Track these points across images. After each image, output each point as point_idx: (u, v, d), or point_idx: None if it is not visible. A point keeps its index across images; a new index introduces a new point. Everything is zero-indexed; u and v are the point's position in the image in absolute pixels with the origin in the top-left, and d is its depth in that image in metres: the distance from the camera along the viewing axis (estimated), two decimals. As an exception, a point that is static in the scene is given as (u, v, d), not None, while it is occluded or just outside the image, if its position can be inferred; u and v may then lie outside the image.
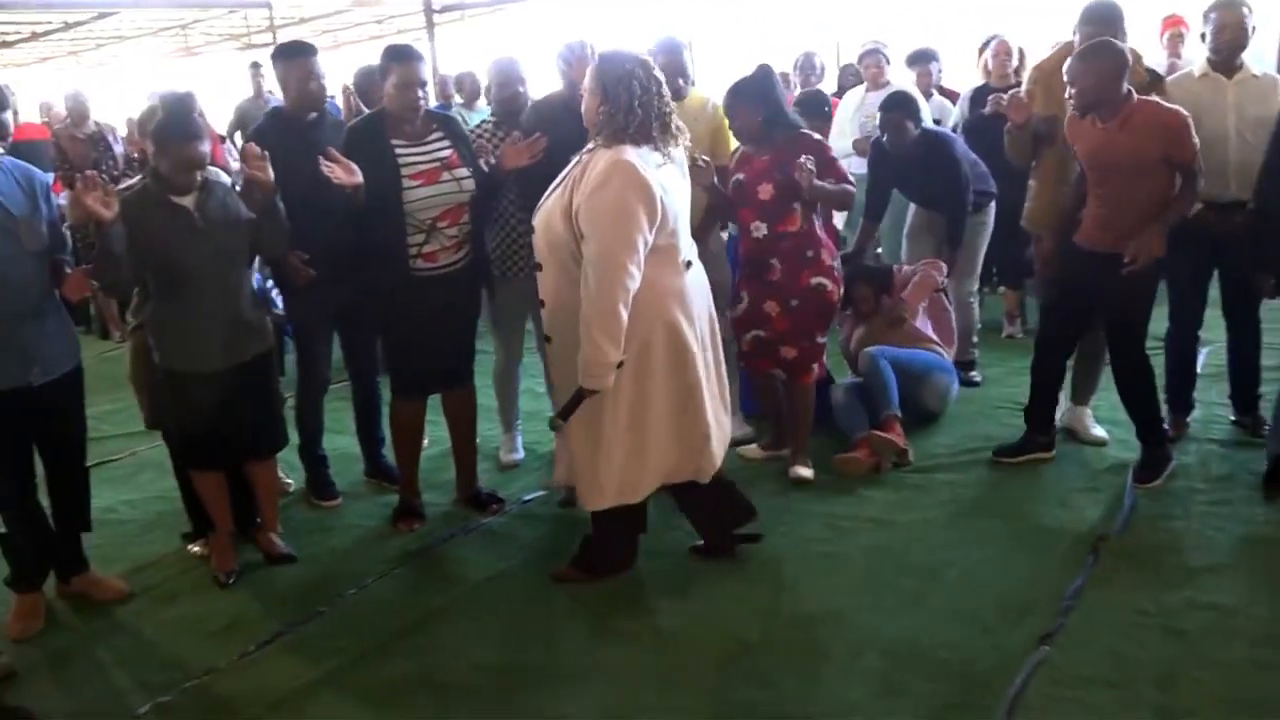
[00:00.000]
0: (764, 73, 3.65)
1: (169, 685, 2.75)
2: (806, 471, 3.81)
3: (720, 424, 3.03)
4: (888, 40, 5.84)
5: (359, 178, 3.16)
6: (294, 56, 3.51)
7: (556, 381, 3.04)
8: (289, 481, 3.94)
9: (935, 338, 4.45)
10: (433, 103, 4.57)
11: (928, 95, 5.61)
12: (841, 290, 3.73)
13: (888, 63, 5.50)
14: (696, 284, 2.92)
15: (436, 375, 3.57)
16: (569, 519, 3.51)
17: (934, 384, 4.27)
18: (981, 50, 5.84)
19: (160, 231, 2.96)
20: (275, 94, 7.44)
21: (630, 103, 2.68)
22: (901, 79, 5.72)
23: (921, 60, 5.86)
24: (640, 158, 2.68)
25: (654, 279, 2.75)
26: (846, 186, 3.61)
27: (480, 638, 2.90)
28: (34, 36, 15.01)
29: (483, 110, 6.51)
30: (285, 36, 15.97)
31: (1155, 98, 3.41)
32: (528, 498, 3.82)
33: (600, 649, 2.81)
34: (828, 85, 6.41)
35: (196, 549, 3.49)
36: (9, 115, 2.78)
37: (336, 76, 9.11)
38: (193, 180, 3.01)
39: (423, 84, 3.30)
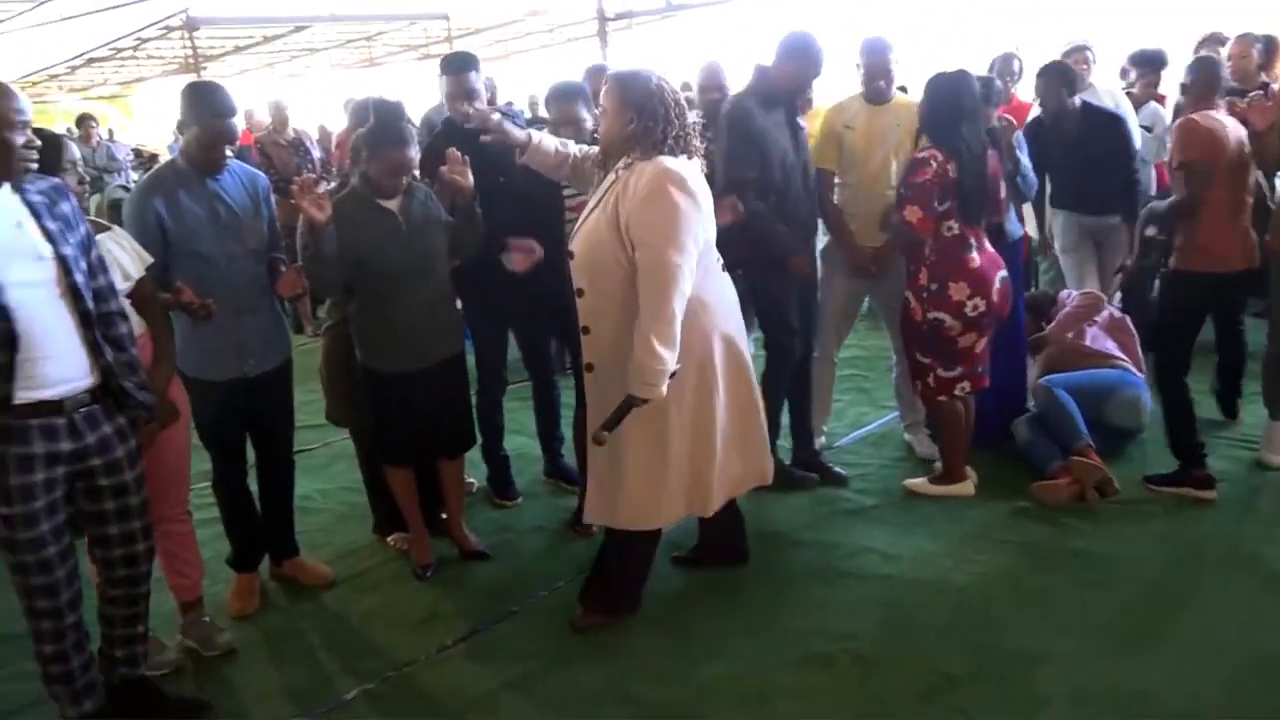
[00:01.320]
0: (954, 76, 3.51)
1: (373, 674, 2.83)
2: (912, 481, 3.84)
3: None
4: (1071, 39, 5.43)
5: (538, 253, 3.30)
6: (443, 71, 3.55)
7: (594, 412, 2.82)
8: (471, 481, 4.02)
9: (1118, 354, 4.18)
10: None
11: (1142, 102, 5.20)
12: (931, 314, 3.54)
13: (1094, 61, 5.15)
14: (733, 294, 2.93)
15: None
16: (757, 537, 3.43)
17: (1120, 400, 3.98)
18: (1198, 49, 5.41)
19: (367, 234, 3.06)
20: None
21: (666, 114, 2.64)
22: (1106, 80, 5.35)
23: (1150, 65, 5.27)
24: (682, 166, 2.65)
25: (707, 291, 2.73)
26: (909, 236, 3.49)
27: (671, 651, 2.86)
28: (236, 50, 16.13)
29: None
30: (460, 46, 16.54)
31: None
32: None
33: (796, 671, 2.72)
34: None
35: (394, 541, 3.60)
36: (236, 121, 2.95)
37: (511, 86, 9.35)
38: (399, 184, 3.10)
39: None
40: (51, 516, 2.30)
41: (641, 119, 2.61)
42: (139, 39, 14.86)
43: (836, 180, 3.88)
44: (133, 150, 11.54)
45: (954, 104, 3.47)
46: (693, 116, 2.75)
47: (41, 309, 2.18)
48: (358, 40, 17.12)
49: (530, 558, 3.49)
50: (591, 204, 2.72)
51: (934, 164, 3.40)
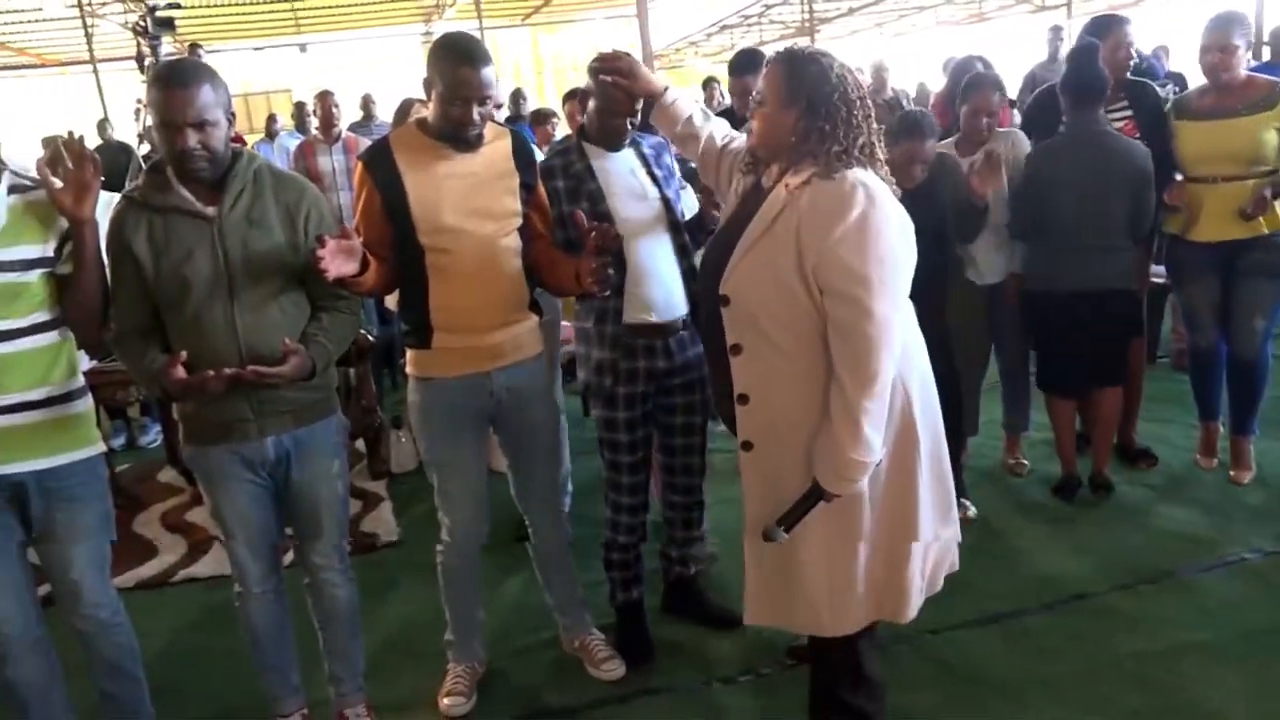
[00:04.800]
0: None
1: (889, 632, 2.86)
2: None
3: None
4: None
5: None
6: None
7: (753, 501, 2.12)
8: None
9: None
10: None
11: None
12: None
13: None
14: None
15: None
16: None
17: None
18: None
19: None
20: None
21: (848, 115, 1.92)
22: None
23: None
24: (878, 184, 1.93)
25: (906, 325, 2.04)
26: None
27: (1238, 694, 2.47)
28: (849, 11, 16.79)
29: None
30: (1081, -3, 15.28)
31: None
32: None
33: None
34: None
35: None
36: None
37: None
38: (914, 176, 3.11)
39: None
40: (645, 424, 2.70)
41: (813, 118, 1.92)
42: (765, 5, 16.22)
43: None
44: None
45: None
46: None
47: (648, 240, 2.53)
48: (968, -5, 16.76)
49: (1081, 553, 3.22)
50: (753, 232, 1.99)
51: None
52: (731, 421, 2.13)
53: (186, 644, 3.15)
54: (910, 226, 1.95)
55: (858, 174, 1.90)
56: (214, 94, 2.05)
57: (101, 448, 2.27)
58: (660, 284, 2.58)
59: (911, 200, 3.06)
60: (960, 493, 3.48)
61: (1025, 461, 3.85)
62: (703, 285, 2.17)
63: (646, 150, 2.64)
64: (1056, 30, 7.30)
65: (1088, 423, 3.72)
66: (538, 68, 22.23)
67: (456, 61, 2.24)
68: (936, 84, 8.00)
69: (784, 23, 18.03)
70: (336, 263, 2.09)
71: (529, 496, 2.69)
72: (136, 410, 5.13)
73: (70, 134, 2.11)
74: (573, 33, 21.74)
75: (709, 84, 11.38)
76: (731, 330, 2.04)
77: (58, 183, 2.03)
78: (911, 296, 2.92)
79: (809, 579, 2.10)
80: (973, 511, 3.50)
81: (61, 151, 2.05)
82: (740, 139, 2.39)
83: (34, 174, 2.11)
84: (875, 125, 1.97)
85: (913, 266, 1.95)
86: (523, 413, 2.55)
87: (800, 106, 1.92)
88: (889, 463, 2.04)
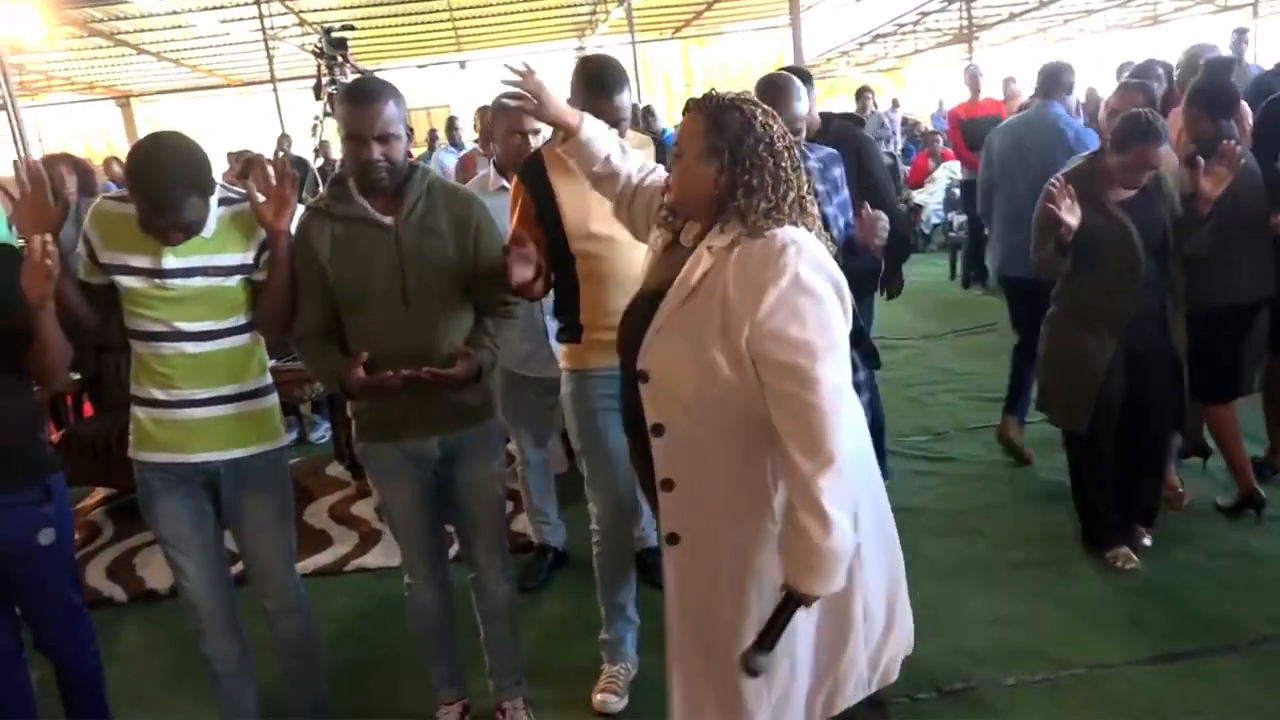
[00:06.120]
0: None
1: (1062, 663, 2.75)
2: None
3: None
4: None
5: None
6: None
7: (680, 606, 1.91)
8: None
9: None
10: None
11: None
12: None
13: None
14: None
15: None
16: None
17: None
18: None
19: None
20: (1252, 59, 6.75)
21: (775, 166, 1.74)
22: None
23: None
24: (811, 240, 1.75)
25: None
26: None
27: None
28: (1010, 17, 16.22)
29: None
30: (1269, -6, 14.29)
31: None
32: None
33: None
34: None
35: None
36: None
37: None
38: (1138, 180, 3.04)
39: None
40: None
41: (735, 170, 1.74)
42: (921, 13, 15.84)
43: None
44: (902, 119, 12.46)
45: None
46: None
47: None
48: (1140, -3, 15.91)
49: (1266, 590, 3.00)
50: (672, 300, 1.79)
51: None
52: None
53: (357, 630, 3.32)
54: (845, 286, 1.78)
55: (789, 232, 1.74)
56: (396, 109, 2.17)
57: (285, 441, 2.43)
58: None
59: (1129, 210, 2.98)
60: (1144, 521, 3.32)
61: (1182, 490, 3.61)
62: (621, 357, 1.97)
63: (813, 164, 2.63)
64: (1241, 33, 6.83)
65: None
66: (687, 79, 22.43)
67: (586, 85, 2.39)
68: (1107, 90, 7.63)
69: (940, 30, 17.54)
70: (518, 269, 2.20)
71: None
72: (308, 408, 5.44)
73: (277, 153, 2.28)
74: (722, 45, 21.83)
75: (863, 93, 11.22)
76: (652, 409, 1.84)
77: (260, 197, 2.20)
78: (1137, 316, 2.82)
79: (750, 698, 1.87)
80: (1147, 540, 3.32)
81: (265, 168, 2.21)
82: (656, 171, 2.20)
83: (239, 189, 2.29)
84: (805, 177, 1.81)
85: (849, 330, 1.78)
86: None
87: (722, 159, 1.75)
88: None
